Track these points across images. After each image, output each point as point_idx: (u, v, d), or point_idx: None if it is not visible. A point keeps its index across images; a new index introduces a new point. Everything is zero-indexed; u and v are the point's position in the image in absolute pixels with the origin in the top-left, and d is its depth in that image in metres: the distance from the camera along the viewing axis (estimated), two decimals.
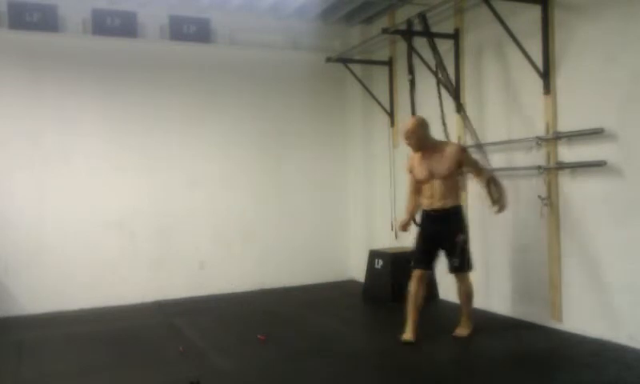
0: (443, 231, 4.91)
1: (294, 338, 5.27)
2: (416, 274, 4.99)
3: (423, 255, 5.01)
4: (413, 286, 4.99)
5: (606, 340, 4.63)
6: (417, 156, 5.05)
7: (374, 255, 6.85)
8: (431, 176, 4.94)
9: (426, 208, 5.06)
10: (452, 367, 4.42)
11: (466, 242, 4.90)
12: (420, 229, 5.13)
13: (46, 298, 6.50)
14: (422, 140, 4.94)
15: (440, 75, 5.88)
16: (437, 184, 4.94)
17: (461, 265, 4.89)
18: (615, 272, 4.60)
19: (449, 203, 4.90)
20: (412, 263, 5.07)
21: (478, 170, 5.03)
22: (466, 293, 5.09)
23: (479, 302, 5.95)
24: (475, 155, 5.47)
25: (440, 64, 5.60)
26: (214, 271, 7.33)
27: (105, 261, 6.82)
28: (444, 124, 5.85)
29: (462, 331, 5.12)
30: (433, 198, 4.96)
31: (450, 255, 4.92)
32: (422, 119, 5.06)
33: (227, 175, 7.47)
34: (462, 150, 5.02)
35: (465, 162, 4.95)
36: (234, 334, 5.46)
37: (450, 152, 4.90)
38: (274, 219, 7.69)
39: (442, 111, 5.87)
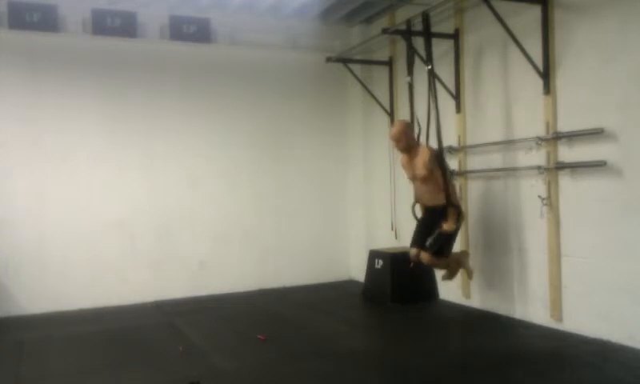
0: (434, 219, 5.37)
1: (293, 337, 5.27)
2: (413, 251, 5.52)
3: (417, 235, 5.54)
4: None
5: (606, 340, 4.63)
6: (404, 156, 5.54)
7: (373, 255, 6.84)
8: (414, 177, 5.46)
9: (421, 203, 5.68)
10: (452, 367, 4.41)
11: (445, 233, 5.24)
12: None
13: (46, 298, 6.50)
14: (409, 142, 5.41)
15: (431, 83, 5.60)
16: (418, 185, 5.48)
17: (429, 245, 5.27)
18: (615, 272, 4.59)
19: (439, 202, 5.31)
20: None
21: (442, 185, 5.29)
22: (457, 263, 5.61)
23: (480, 303, 5.97)
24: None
25: (432, 72, 5.53)
26: (214, 271, 7.33)
27: (105, 261, 6.82)
28: (428, 127, 5.61)
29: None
30: (422, 198, 5.51)
31: (429, 236, 5.30)
32: (408, 122, 5.59)
33: (227, 175, 7.47)
34: (430, 158, 5.26)
35: (434, 169, 5.28)
36: (234, 334, 5.46)
37: (421, 156, 5.31)
38: (273, 219, 7.69)
39: (436, 114, 5.54)
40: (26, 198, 6.54)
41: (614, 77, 4.57)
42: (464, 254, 5.79)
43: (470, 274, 5.83)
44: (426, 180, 5.35)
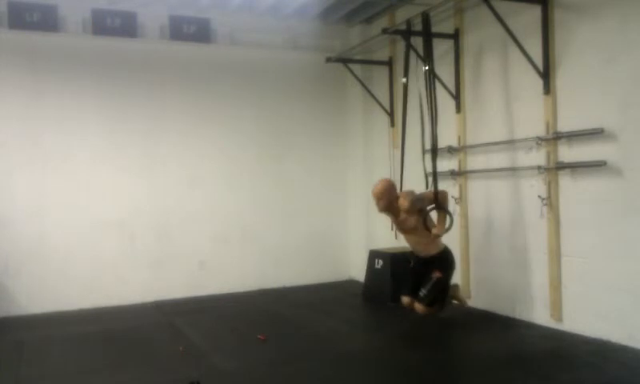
0: (427, 267, 5.27)
1: (294, 337, 5.27)
2: (406, 300, 5.37)
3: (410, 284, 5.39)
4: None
5: (606, 340, 4.63)
6: (392, 218, 5.46)
7: (374, 255, 6.84)
8: (405, 232, 5.36)
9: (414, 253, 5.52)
10: (452, 367, 4.42)
11: (440, 281, 5.17)
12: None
13: (46, 298, 6.50)
14: (391, 201, 5.29)
15: (427, 87, 5.53)
16: (410, 238, 5.38)
17: (424, 296, 5.16)
18: (615, 272, 4.60)
19: (432, 252, 5.27)
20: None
21: (432, 202, 5.27)
22: (450, 298, 5.55)
23: (480, 302, 5.97)
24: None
25: (431, 72, 5.51)
26: (214, 271, 7.33)
27: (105, 261, 6.82)
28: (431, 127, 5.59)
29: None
30: (419, 251, 5.37)
31: (422, 285, 5.20)
32: (392, 182, 5.48)
33: (227, 175, 7.47)
34: (410, 201, 5.20)
35: (418, 207, 5.20)
36: (234, 334, 5.46)
37: (402, 207, 5.21)
38: (274, 219, 7.69)
39: (434, 115, 5.52)
40: (26, 198, 6.54)
41: (614, 77, 4.57)
42: (455, 287, 5.68)
43: (463, 304, 5.75)
44: (416, 228, 5.22)
